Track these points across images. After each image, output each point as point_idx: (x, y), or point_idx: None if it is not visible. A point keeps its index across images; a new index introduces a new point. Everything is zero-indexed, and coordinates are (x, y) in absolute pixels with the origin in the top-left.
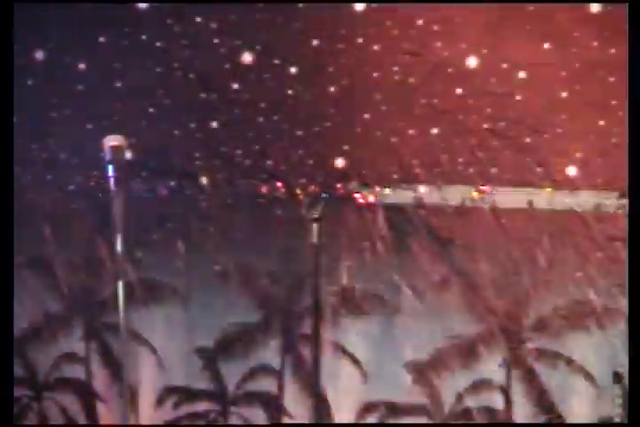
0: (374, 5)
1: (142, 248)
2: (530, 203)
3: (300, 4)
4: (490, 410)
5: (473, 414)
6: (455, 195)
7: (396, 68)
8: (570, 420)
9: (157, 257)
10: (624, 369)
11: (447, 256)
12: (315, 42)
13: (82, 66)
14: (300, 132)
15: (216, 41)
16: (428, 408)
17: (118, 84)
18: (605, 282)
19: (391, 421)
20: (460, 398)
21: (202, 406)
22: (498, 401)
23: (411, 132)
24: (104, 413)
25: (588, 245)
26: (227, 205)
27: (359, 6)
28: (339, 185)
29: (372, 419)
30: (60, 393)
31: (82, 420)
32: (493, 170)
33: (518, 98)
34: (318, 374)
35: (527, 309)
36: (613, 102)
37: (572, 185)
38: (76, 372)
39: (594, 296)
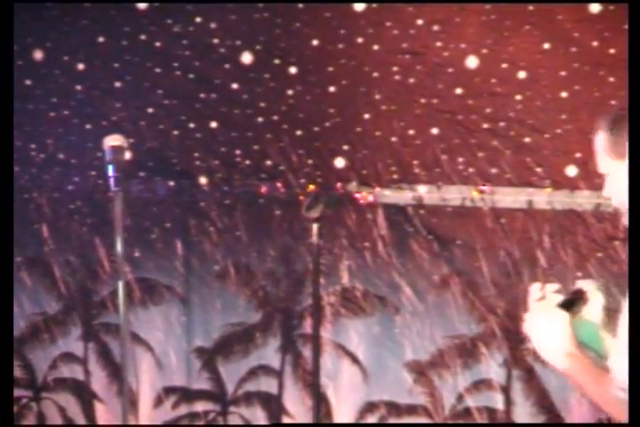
0: (374, 5)
1: (141, 248)
2: (530, 203)
3: (300, 4)
4: (490, 410)
5: (473, 414)
6: (455, 195)
7: (395, 68)
8: (569, 420)
9: (156, 257)
10: None
11: (447, 256)
12: (315, 42)
13: (81, 66)
14: (299, 132)
15: (216, 41)
16: (428, 408)
17: (118, 84)
18: (605, 282)
19: (392, 421)
20: (460, 397)
21: (201, 407)
22: (498, 401)
23: (411, 132)
24: (103, 413)
25: (588, 245)
26: (226, 206)
27: (359, 6)
28: (339, 185)
29: (372, 419)
30: (58, 393)
31: (81, 420)
32: (493, 170)
33: (518, 98)
34: (318, 374)
35: (527, 308)
36: (613, 102)
37: (571, 185)
38: (75, 372)
39: None
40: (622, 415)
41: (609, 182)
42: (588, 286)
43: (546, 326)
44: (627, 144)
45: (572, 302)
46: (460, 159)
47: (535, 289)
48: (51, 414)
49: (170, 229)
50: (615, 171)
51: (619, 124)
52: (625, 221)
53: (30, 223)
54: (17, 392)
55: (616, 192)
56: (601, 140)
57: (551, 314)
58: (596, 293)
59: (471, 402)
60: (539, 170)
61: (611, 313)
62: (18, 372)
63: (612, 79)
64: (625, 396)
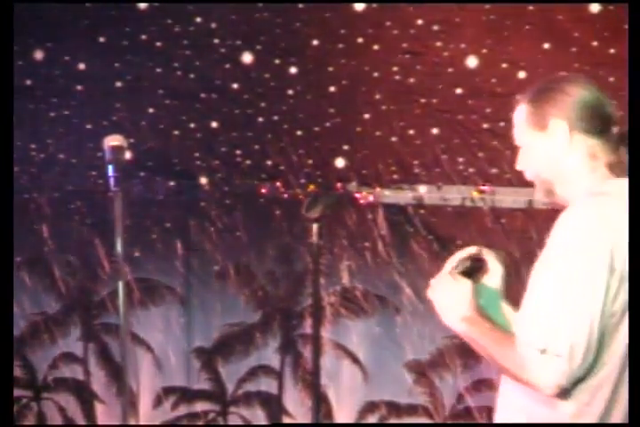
0: (374, 5)
1: (141, 248)
2: (530, 203)
3: (300, 4)
4: (490, 410)
5: (473, 414)
6: (455, 195)
7: (395, 68)
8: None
9: (156, 257)
10: None
11: (447, 256)
12: (315, 42)
13: (82, 66)
14: (299, 133)
15: (216, 41)
16: (428, 408)
17: (118, 84)
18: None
19: (392, 421)
20: (460, 397)
21: (201, 407)
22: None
23: (411, 132)
24: (103, 413)
25: None
26: (226, 206)
27: (359, 6)
28: (339, 185)
29: (372, 419)
30: (58, 394)
31: (80, 420)
32: (493, 170)
33: (518, 98)
34: (318, 374)
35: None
36: (613, 102)
37: None
38: (75, 372)
39: None
40: (527, 375)
41: (525, 155)
42: (489, 256)
43: (446, 291)
44: (548, 116)
45: (472, 270)
46: (460, 159)
47: (453, 258)
48: (51, 415)
49: (170, 230)
50: (534, 143)
51: (541, 95)
52: (537, 195)
53: (30, 223)
54: (17, 392)
55: (534, 164)
56: (522, 112)
57: (453, 280)
58: (496, 263)
59: (471, 402)
60: None
61: (509, 283)
62: (17, 372)
63: (611, 79)
64: (536, 354)
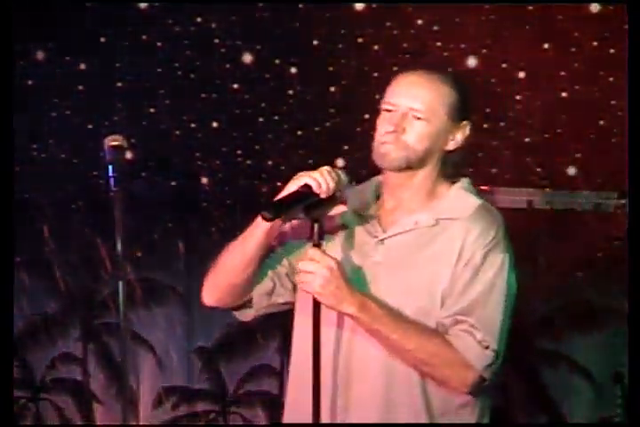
0: (374, 5)
1: (142, 248)
2: (530, 203)
3: (300, 4)
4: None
5: None
6: None
7: (395, 69)
8: (570, 420)
9: (157, 257)
10: (624, 369)
11: None
12: (315, 42)
13: (82, 66)
14: (300, 132)
15: (216, 41)
16: None
17: (118, 84)
18: (605, 282)
19: None
20: None
21: (201, 407)
22: (499, 400)
23: None
24: (102, 413)
25: (588, 245)
26: (227, 205)
27: (359, 6)
28: None
29: None
30: (56, 394)
31: (79, 421)
32: (493, 170)
33: (518, 98)
34: (318, 374)
35: (527, 309)
36: (613, 102)
37: (571, 185)
38: (74, 373)
39: (594, 296)
40: (463, 373)
41: (413, 124)
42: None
43: (314, 274)
44: (466, 116)
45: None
46: None
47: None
48: (49, 415)
49: (171, 229)
50: (438, 127)
51: (466, 93)
52: (393, 164)
53: (30, 223)
54: (14, 393)
55: (418, 137)
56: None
57: (316, 261)
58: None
59: None
60: (539, 170)
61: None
62: (15, 372)
63: (611, 79)
64: (491, 356)
